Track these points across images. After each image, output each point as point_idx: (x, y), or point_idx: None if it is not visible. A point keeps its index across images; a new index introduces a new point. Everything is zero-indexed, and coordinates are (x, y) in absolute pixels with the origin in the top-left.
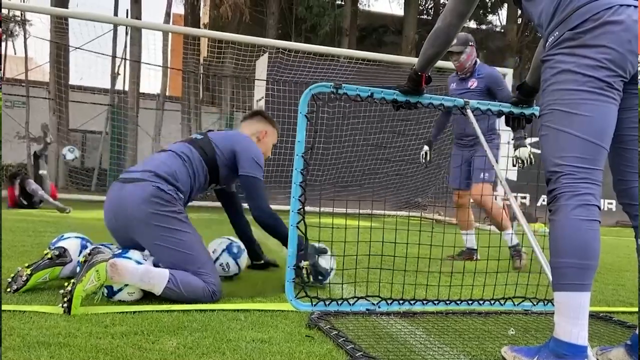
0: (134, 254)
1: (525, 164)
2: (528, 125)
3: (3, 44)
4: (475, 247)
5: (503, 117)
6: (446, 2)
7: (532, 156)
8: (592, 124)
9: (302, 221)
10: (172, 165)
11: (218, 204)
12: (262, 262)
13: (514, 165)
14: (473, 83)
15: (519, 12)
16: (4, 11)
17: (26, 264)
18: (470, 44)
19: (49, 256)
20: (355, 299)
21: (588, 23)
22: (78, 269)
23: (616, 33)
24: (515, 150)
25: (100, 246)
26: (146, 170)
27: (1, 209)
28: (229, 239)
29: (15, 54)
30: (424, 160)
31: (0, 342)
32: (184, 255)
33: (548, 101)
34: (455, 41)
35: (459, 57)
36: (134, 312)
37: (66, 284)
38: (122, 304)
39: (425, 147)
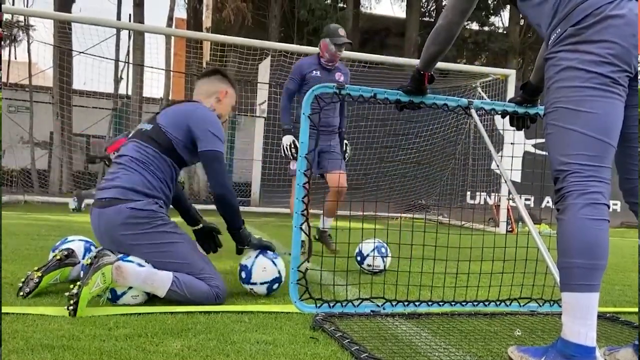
0: (135, 258)
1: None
2: (532, 124)
3: (6, 49)
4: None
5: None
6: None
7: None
8: (597, 120)
9: (306, 223)
10: (138, 173)
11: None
12: (201, 226)
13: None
14: (340, 77)
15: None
16: (7, 16)
17: (35, 268)
18: None
19: (58, 257)
20: (360, 300)
21: (590, 18)
22: (82, 273)
23: (619, 27)
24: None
25: (105, 249)
26: (118, 187)
27: (1, 211)
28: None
29: (16, 58)
30: (290, 152)
31: (0, 344)
32: (180, 265)
33: (552, 99)
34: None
35: (344, 48)
36: (138, 314)
37: (72, 286)
38: (125, 306)
39: (290, 137)
